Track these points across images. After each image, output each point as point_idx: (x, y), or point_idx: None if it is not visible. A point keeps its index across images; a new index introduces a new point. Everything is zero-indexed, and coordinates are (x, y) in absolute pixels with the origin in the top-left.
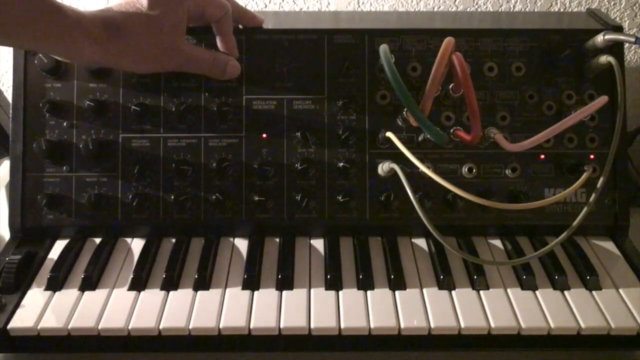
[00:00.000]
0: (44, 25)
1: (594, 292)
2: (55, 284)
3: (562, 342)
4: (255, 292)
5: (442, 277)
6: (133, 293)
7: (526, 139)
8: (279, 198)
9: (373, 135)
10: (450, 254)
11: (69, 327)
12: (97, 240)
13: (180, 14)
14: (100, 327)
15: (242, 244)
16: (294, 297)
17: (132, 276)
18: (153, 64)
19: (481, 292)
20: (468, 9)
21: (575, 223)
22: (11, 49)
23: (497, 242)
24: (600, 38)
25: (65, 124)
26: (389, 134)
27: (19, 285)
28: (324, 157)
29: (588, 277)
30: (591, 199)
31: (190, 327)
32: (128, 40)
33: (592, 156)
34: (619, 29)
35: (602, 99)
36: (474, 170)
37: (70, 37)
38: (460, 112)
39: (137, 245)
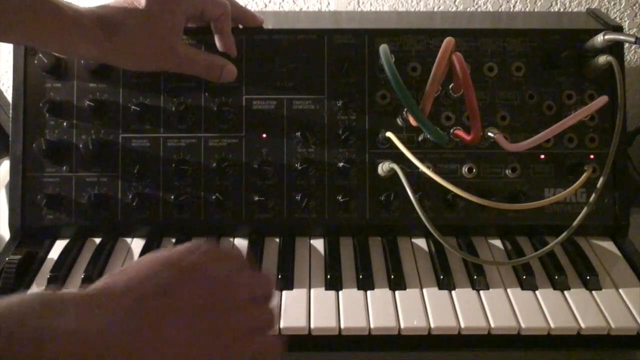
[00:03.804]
0: (40, 21)
1: (594, 292)
2: (55, 284)
3: (562, 342)
4: None
5: (442, 277)
6: None
7: (526, 139)
8: (279, 198)
9: (373, 135)
10: (450, 254)
11: None
12: (97, 240)
13: (178, 15)
14: None
15: (242, 244)
16: (293, 297)
17: None
18: (148, 63)
19: (481, 292)
20: (468, 9)
21: (575, 223)
22: (11, 48)
23: (497, 242)
24: (600, 38)
25: (65, 124)
26: (389, 134)
27: (19, 285)
28: (324, 157)
29: (588, 277)
30: (591, 199)
31: None
32: (124, 38)
33: (592, 156)
34: (619, 29)
35: (602, 99)
36: (474, 170)
37: (66, 34)
38: (460, 112)
39: (137, 245)
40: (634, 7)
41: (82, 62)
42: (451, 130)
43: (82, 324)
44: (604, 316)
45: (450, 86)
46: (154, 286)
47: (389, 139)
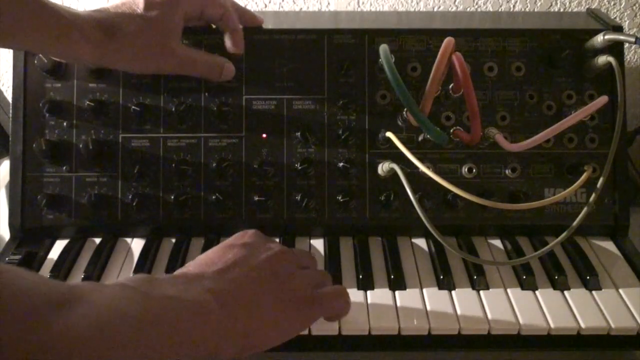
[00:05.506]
0: (40, 27)
1: (594, 292)
2: None
3: (562, 342)
4: None
5: (442, 277)
6: None
7: (526, 139)
8: (279, 198)
9: (373, 135)
10: (450, 254)
11: None
12: (97, 240)
13: (177, 17)
14: None
15: None
16: None
17: None
18: (148, 65)
19: (481, 292)
20: (468, 9)
21: (575, 223)
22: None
23: (497, 242)
24: (600, 38)
25: (65, 124)
26: (389, 134)
27: None
28: (324, 157)
29: (588, 277)
30: (591, 199)
31: None
32: (123, 41)
33: (592, 156)
34: (619, 29)
35: (602, 99)
36: (474, 170)
37: (66, 38)
38: (460, 112)
39: (137, 245)
40: (634, 7)
41: None
42: (451, 130)
43: (178, 292)
44: (604, 316)
45: (450, 86)
46: (224, 263)
47: (389, 139)
